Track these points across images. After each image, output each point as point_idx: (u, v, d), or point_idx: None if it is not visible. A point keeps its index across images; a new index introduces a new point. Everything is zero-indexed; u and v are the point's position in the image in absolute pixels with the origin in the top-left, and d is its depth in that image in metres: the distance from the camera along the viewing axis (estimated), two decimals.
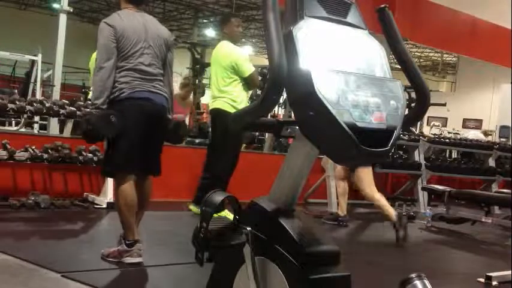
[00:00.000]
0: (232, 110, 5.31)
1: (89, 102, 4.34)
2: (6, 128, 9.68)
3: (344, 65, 1.75)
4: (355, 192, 6.95)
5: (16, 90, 10.84)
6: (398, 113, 1.77)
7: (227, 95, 5.40)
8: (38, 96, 9.44)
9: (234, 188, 6.16)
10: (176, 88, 8.09)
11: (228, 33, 5.61)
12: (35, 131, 9.27)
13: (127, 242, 3.68)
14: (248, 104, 5.42)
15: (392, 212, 5.52)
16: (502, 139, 13.07)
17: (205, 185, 5.45)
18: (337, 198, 6.40)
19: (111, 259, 3.70)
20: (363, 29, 1.91)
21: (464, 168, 9.31)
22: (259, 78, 11.85)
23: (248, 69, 5.38)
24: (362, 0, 2.14)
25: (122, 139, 3.58)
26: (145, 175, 3.86)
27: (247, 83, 5.45)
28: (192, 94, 8.40)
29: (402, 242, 5.35)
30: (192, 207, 5.65)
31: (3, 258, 3.56)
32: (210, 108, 5.67)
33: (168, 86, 3.84)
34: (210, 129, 6.48)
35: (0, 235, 4.29)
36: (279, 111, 11.30)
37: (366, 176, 5.87)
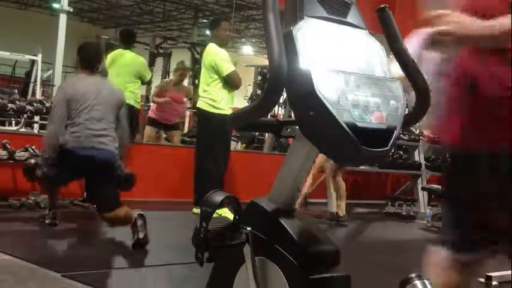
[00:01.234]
0: (212, 110, 5.53)
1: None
2: (6, 128, 9.67)
3: (344, 65, 1.75)
4: (355, 192, 6.95)
5: (16, 90, 10.84)
6: (398, 113, 1.77)
7: (207, 94, 5.61)
8: (38, 96, 9.44)
9: (234, 188, 6.17)
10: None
11: (217, 36, 5.75)
12: (35, 131, 9.26)
13: None
14: (229, 104, 5.60)
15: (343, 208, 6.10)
16: None
17: (197, 186, 5.55)
18: (337, 199, 6.39)
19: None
20: (363, 29, 1.91)
21: None
22: (259, 78, 11.96)
23: (226, 68, 5.52)
24: (362, 0, 2.14)
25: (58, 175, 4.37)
26: (99, 212, 4.38)
27: (226, 82, 5.55)
28: (187, 78, 8.36)
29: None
30: (194, 210, 5.69)
31: (3, 258, 3.56)
32: (196, 107, 5.92)
33: (120, 139, 4.44)
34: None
35: (0, 235, 4.29)
36: (279, 111, 11.31)
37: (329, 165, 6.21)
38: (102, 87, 4.47)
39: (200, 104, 5.66)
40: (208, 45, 5.81)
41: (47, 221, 4.64)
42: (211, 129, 5.41)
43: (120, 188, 4.49)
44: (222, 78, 5.54)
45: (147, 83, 7.16)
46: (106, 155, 4.25)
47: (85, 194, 5.12)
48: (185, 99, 8.37)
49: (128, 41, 6.92)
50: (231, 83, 5.60)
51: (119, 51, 6.80)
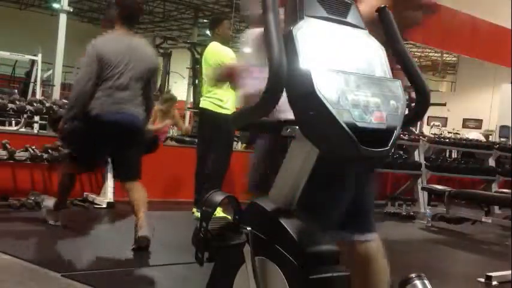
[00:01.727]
0: (218, 110, 5.45)
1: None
2: (6, 128, 9.67)
3: (344, 65, 1.75)
4: None
5: (16, 90, 10.84)
6: (398, 113, 1.77)
7: (213, 94, 5.50)
8: (38, 96, 9.44)
9: (234, 188, 6.17)
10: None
11: (220, 34, 5.70)
12: (35, 131, 9.26)
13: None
14: (234, 104, 5.53)
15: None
16: (502, 139, 13.08)
17: (197, 186, 5.53)
18: None
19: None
20: (363, 29, 1.91)
21: (464, 168, 9.31)
22: None
23: None
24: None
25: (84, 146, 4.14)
26: (122, 181, 4.29)
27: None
28: (174, 109, 8.26)
29: None
30: (194, 210, 5.69)
31: (3, 258, 3.56)
32: (199, 107, 5.77)
33: (147, 104, 4.20)
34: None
35: (0, 235, 4.29)
36: None
37: None
38: (137, 50, 4.10)
39: (205, 104, 5.54)
40: (211, 44, 5.72)
41: (50, 222, 4.59)
42: (216, 130, 5.34)
43: (146, 151, 4.37)
44: None
45: None
46: (132, 118, 4.06)
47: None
48: (168, 128, 8.33)
49: None
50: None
51: None
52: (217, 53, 5.53)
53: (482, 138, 12.87)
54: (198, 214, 5.52)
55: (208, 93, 5.54)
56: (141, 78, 4.06)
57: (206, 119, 5.60)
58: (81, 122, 4.04)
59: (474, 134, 13.12)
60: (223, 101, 5.44)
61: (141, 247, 3.97)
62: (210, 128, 5.48)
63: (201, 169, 5.61)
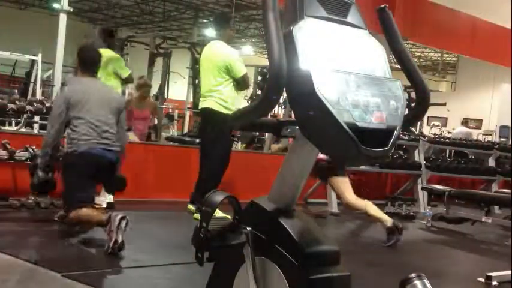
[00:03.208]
0: (223, 110, 5.37)
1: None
2: (6, 128, 9.67)
3: (344, 65, 1.75)
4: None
5: (16, 90, 10.84)
6: (398, 113, 1.77)
7: (218, 94, 5.41)
8: (38, 96, 9.43)
9: (234, 188, 6.17)
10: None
11: (227, 35, 5.65)
12: (35, 131, 9.25)
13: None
14: (237, 105, 5.50)
15: (385, 217, 5.31)
16: (502, 139, 13.07)
17: (198, 185, 5.50)
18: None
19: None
20: (363, 29, 1.91)
21: (464, 168, 9.31)
22: (260, 78, 11.97)
23: (241, 70, 5.42)
24: (362, 0, 2.14)
25: (71, 184, 4.33)
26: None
27: (239, 83, 5.47)
28: (150, 94, 8.21)
29: (394, 246, 5.15)
30: (189, 206, 5.68)
31: (3, 258, 3.56)
32: (201, 107, 5.66)
33: (120, 141, 4.52)
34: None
35: (0, 235, 4.28)
36: (279, 111, 11.31)
37: (342, 185, 5.61)
38: (102, 91, 4.56)
39: (209, 103, 5.45)
40: (215, 42, 5.64)
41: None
42: (220, 129, 5.31)
43: (114, 188, 4.69)
44: (234, 79, 5.44)
45: (127, 81, 6.93)
46: (113, 156, 4.39)
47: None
48: (150, 115, 8.26)
49: (107, 40, 6.87)
50: (244, 84, 5.54)
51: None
52: (224, 54, 5.44)
53: (466, 130, 12.92)
54: (193, 208, 5.58)
55: (212, 92, 5.45)
56: (113, 116, 4.44)
57: (211, 119, 5.45)
58: (67, 164, 4.38)
59: (459, 131, 13.12)
60: (228, 101, 5.39)
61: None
62: (215, 128, 5.40)
63: (206, 167, 5.58)
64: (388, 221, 5.26)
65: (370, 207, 5.37)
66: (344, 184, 5.60)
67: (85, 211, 4.15)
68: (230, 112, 5.24)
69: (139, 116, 7.59)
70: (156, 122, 9.86)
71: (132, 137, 6.84)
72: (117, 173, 4.51)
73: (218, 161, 5.46)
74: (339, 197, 5.71)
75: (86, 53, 4.67)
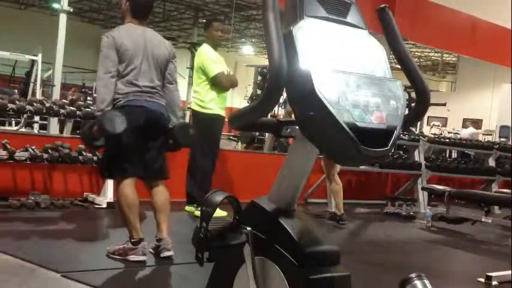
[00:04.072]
0: (200, 110, 5.62)
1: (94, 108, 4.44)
2: (6, 128, 9.67)
3: (344, 65, 1.75)
4: (355, 192, 6.95)
5: (16, 90, 10.85)
6: (398, 113, 1.77)
7: (197, 95, 5.69)
8: (38, 96, 9.44)
9: (234, 188, 6.17)
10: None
11: (208, 37, 5.87)
12: (35, 131, 9.26)
13: (132, 241, 3.75)
14: (220, 104, 5.66)
15: (340, 206, 6.11)
16: (502, 139, 13.08)
17: (187, 184, 5.65)
18: (334, 199, 6.38)
19: (116, 256, 3.77)
20: (363, 29, 1.91)
21: (464, 168, 9.31)
22: (259, 78, 11.96)
23: (212, 70, 5.56)
24: (362, 0, 2.14)
25: (117, 145, 3.72)
26: (150, 179, 3.93)
27: (212, 83, 5.59)
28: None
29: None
30: (187, 208, 5.77)
31: (3, 258, 3.56)
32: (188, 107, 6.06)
33: (170, 95, 3.99)
34: None
35: (0, 235, 4.29)
36: (279, 111, 11.31)
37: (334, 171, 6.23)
38: (151, 40, 3.96)
39: (192, 104, 5.78)
40: (201, 46, 5.89)
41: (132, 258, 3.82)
42: (200, 129, 5.41)
43: (177, 141, 3.99)
44: (209, 79, 5.58)
45: None
46: (160, 108, 3.87)
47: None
48: None
49: None
50: (217, 84, 5.62)
51: None
52: (199, 55, 5.70)
53: (474, 130, 12.90)
54: (192, 208, 5.63)
55: (194, 93, 5.75)
56: (160, 67, 3.93)
57: (193, 119, 5.78)
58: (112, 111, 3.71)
59: (470, 130, 13.09)
60: (205, 101, 5.61)
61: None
62: (197, 127, 5.54)
63: (190, 168, 5.80)
64: (339, 211, 6.16)
65: (340, 192, 6.19)
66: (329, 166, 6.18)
67: (126, 203, 3.71)
68: (208, 111, 5.50)
69: None
70: None
71: None
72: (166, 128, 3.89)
73: (201, 160, 5.60)
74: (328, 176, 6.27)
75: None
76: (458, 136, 12.90)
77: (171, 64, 4.02)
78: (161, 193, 3.93)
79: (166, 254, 3.84)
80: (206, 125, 5.54)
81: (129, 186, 3.76)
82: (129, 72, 3.78)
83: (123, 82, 3.77)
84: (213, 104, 5.60)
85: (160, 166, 3.95)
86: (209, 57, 5.63)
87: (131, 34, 3.87)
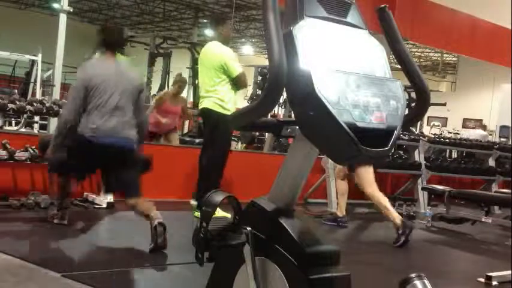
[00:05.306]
0: (220, 110, 5.38)
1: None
2: (6, 128, 9.67)
3: (344, 65, 1.75)
4: (355, 192, 6.93)
5: (16, 90, 10.85)
6: (398, 113, 1.77)
7: (215, 94, 5.42)
8: (38, 96, 9.44)
9: (234, 188, 6.17)
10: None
11: (223, 34, 5.66)
12: (35, 131, 9.26)
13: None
14: (235, 104, 5.51)
15: (396, 215, 5.44)
16: (502, 139, 13.07)
17: (198, 184, 5.53)
18: (337, 198, 6.37)
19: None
20: (362, 29, 1.91)
21: (464, 168, 9.31)
22: (260, 78, 11.97)
23: (236, 69, 5.42)
24: (362, 0, 2.14)
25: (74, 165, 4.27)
26: (125, 197, 4.30)
27: (235, 83, 5.48)
28: (184, 90, 8.31)
29: (403, 245, 5.26)
30: (192, 202, 5.69)
31: (3, 258, 3.56)
32: (200, 107, 5.69)
33: (139, 125, 4.34)
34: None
35: (0, 235, 4.28)
36: (279, 111, 11.31)
37: (366, 175, 5.86)
38: (122, 73, 4.27)
39: (207, 103, 5.46)
40: (212, 43, 5.65)
41: (55, 221, 4.61)
42: (218, 129, 5.32)
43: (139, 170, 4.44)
44: (231, 78, 5.43)
45: None
46: (125, 142, 4.18)
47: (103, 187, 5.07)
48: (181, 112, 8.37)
49: None
50: (240, 83, 5.54)
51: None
52: (219, 55, 5.44)
53: (483, 132, 12.85)
54: (195, 203, 5.57)
55: (210, 93, 5.46)
56: (130, 100, 4.24)
57: (210, 119, 5.48)
58: (73, 144, 4.19)
59: (476, 133, 13.02)
60: (225, 101, 5.40)
61: (161, 233, 4.03)
62: (214, 128, 5.41)
63: (207, 167, 5.60)
64: (397, 218, 5.40)
65: (386, 202, 5.62)
66: (368, 175, 5.87)
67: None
68: (228, 112, 5.26)
69: (171, 110, 7.66)
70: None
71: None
72: (137, 156, 4.32)
73: (215, 160, 5.49)
74: (362, 186, 5.95)
75: (109, 32, 4.44)
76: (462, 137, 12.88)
77: (141, 96, 4.38)
78: (139, 209, 4.20)
79: (158, 221, 4.01)
80: (225, 126, 5.20)
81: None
82: (99, 105, 4.09)
83: (93, 115, 4.09)
84: (231, 104, 5.42)
85: (127, 188, 4.27)
86: (231, 57, 5.46)
87: (103, 69, 4.20)
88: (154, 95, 12.68)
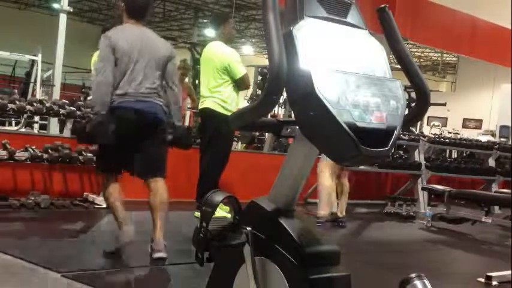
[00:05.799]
0: (222, 110, 5.35)
1: (88, 102, 4.51)
2: (6, 128, 9.67)
3: (344, 65, 1.75)
4: (355, 192, 6.94)
5: (16, 90, 10.84)
6: (398, 113, 1.77)
7: (217, 95, 5.39)
8: (38, 96, 9.43)
9: (234, 188, 6.17)
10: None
11: (225, 34, 5.61)
12: (35, 131, 9.26)
13: None
14: (237, 105, 5.49)
15: (324, 210, 5.97)
16: (502, 139, 13.06)
17: (198, 185, 5.51)
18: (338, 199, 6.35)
19: None
20: (362, 29, 1.91)
21: (464, 168, 9.31)
22: (259, 78, 11.96)
23: (240, 71, 5.40)
24: (362, 0, 2.14)
25: (104, 146, 3.90)
26: (145, 177, 3.92)
27: (238, 84, 5.46)
28: (187, 78, 8.17)
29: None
30: (196, 213, 5.69)
31: (3, 258, 3.56)
32: (200, 107, 5.65)
33: (170, 96, 3.99)
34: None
35: (0, 235, 4.29)
36: (279, 111, 11.31)
37: (324, 168, 6.05)
38: (148, 40, 3.94)
39: (208, 104, 5.42)
40: (213, 43, 5.60)
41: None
42: (219, 130, 5.29)
43: (176, 144, 4.09)
44: (233, 80, 5.40)
45: None
46: (154, 108, 3.85)
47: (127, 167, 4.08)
48: (186, 97, 8.31)
49: None
50: (243, 84, 5.53)
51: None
52: (222, 56, 5.41)
53: (492, 139, 12.84)
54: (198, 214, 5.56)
55: (212, 93, 5.43)
56: (158, 67, 3.91)
57: (212, 119, 5.41)
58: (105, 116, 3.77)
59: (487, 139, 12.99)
60: (227, 102, 5.38)
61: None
62: (216, 128, 5.37)
63: (208, 168, 5.57)
64: (323, 212, 6.02)
65: (325, 194, 6.02)
66: (325, 168, 6.04)
67: (111, 195, 3.84)
68: (229, 113, 5.22)
69: None
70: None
71: None
72: (167, 131, 3.94)
73: (215, 161, 5.47)
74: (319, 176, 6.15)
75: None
76: (458, 136, 12.87)
77: (170, 64, 3.99)
78: (157, 193, 3.88)
79: (157, 255, 3.76)
80: (227, 127, 4.99)
81: (109, 184, 3.88)
82: (125, 72, 3.78)
83: (120, 82, 3.77)
84: (234, 105, 5.41)
85: (154, 165, 3.93)
86: (234, 58, 5.43)
87: (128, 34, 3.86)
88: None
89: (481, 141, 10.64)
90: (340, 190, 6.31)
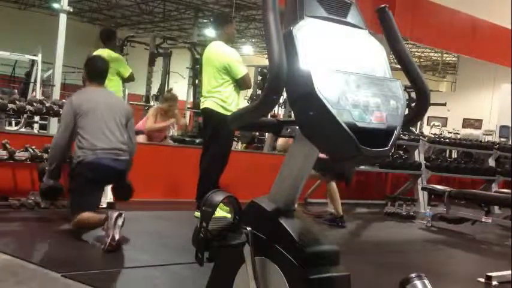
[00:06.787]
0: (222, 110, 5.35)
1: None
2: (6, 128, 9.67)
3: (344, 65, 1.75)
4: (355, 192, 6.95)
5: (16, 90, 10.84)
6: (398, 113, 1.77)
7: (218, 95, 5.39)
8: (38, 96, 9.43)
9: (234, 188, 6.17)
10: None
11: (227, 34, 5.60)
12: (35, 131, 9.26)
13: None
14: (237, 105, 5.48)
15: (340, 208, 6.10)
16: (502, 139, 13.08)
17: (198, 184, 5.50)
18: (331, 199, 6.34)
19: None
20: (362, 29, 1.91)
21: (464, 168, 9.31)
22: (259, 78, 11.98)
23: (241, 71, 5.38)
24: (362, 0, 2.14)
25: (78, 191, 4.31)
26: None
27: (239, 84, 5.46)
28: (175, 109, 8.09)
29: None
30: (196, 213, 5.69)
31: (3, 258, 3.56)
32: (201, 107, 5.65)
33: (130, 149, 4.51)
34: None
35: (0, 235, 4.28)
36: (279, 111, 11.31)
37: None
38: (110, 99, 4.58)
39: (209, 103, 5.42)
40: (214, 43, 5.60)
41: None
42: (219, 130, 5.29)
43: (120, 196, 4.79)
44: (234, 80, 5.39)
45: (128, 80, 6.97)
46: (124, 165, 4.41)
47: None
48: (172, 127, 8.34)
49: (106, 41, 6.90)
50: (244, 84, 5.52)
51: (99, 50, 6.76)
52: (223, 55, 5.41)
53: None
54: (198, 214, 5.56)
55: (212, 93, 5.42)
56: (122, 123, 4.44)
57: (212, 119, 5.42)
58: (77, 170, 4.30)
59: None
60: (227, 102, 5.37)
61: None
62: (216, 128, 5.37)
63: (208, 168, 5.56)
64: (338, 213, 6.14)
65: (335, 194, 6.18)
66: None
67: (84, 215, 4.15)
68: (229, 112, 5.20)
69: (164, 128, 7.59)
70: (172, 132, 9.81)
71: (142, 139, 6.94)
72: (125, 181, 4.55)
73: (216, 161, 5.47)
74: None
75: (94, 63, 4.75)
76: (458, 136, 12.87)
77: (131, 121, 4.57)
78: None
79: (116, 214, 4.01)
80: (227, 128, 5.21)
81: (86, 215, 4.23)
82: (94, 129, 4.27)
83: (91, 139, 4.25)
84: (234, 105, 5.39)
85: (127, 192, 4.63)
86: (235, 58, 5.42)
87: (92, 96, 4.44)
88: (155, 95, 12.68)
89: (481, 141, 10.65)
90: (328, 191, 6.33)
